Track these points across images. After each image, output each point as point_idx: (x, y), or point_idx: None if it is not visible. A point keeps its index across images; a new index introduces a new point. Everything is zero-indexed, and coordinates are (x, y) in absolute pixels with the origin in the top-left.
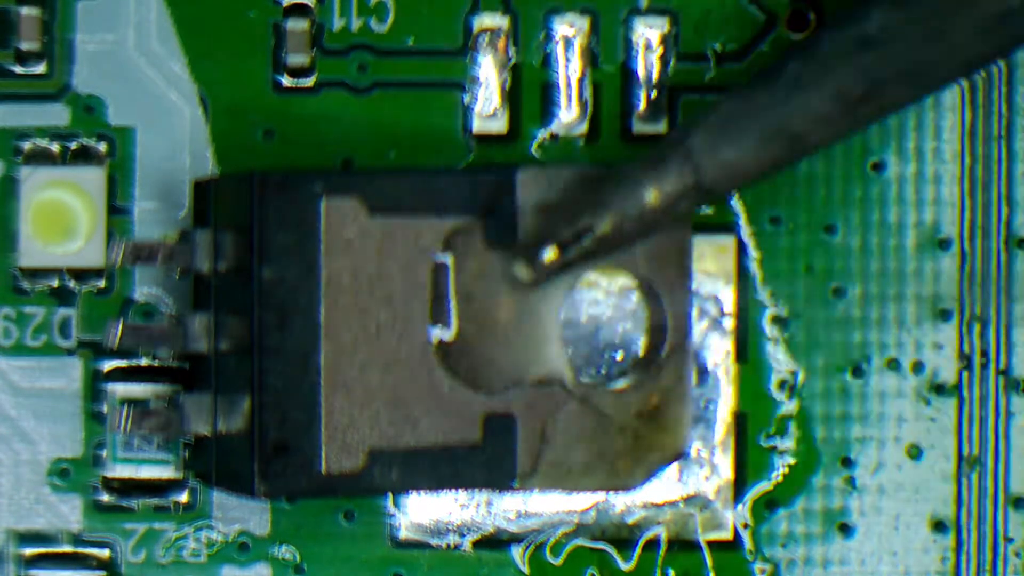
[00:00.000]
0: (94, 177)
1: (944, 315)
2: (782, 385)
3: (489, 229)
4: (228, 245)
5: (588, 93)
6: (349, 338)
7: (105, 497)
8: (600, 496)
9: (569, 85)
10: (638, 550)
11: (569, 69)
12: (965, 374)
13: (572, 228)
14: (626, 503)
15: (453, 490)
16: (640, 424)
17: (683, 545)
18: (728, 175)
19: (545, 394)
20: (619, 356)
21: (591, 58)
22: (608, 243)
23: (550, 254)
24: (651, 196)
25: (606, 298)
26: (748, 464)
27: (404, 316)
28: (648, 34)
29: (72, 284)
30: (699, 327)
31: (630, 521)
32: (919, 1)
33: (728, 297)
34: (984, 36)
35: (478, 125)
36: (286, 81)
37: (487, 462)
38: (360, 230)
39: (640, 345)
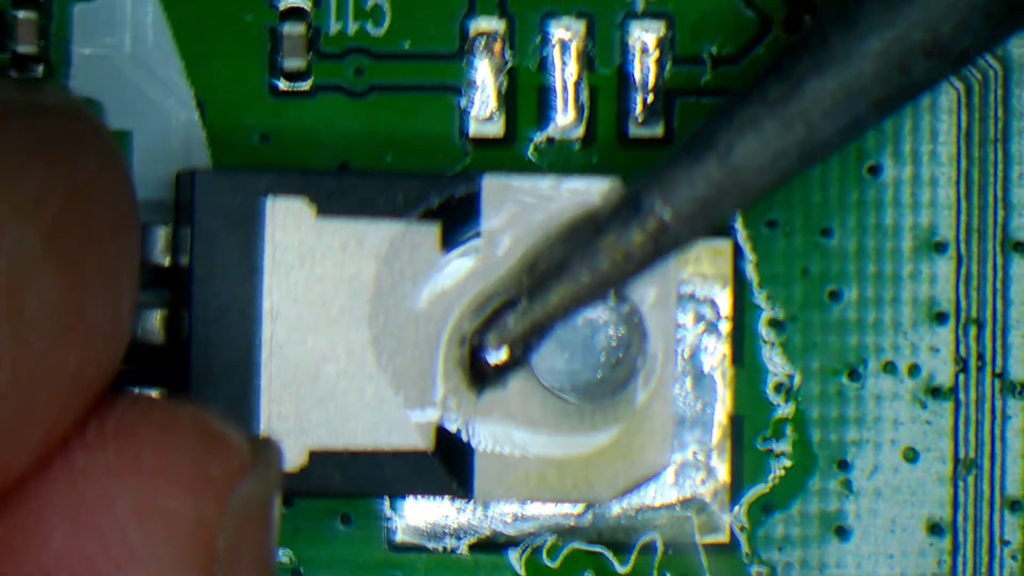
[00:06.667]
0: None
1: (940, 318)
2: (778, 388)
3: (448, 236)
4: (185, 240)
5: (584, 96)
6: (291, 338)
7: None
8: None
9: (565, 88)
10: (634, 553)
11: (565, 73)
12: (961, 377)
13: (535, 279)
14: (622, 507)
15: (402, 496)
16: (619, 436)
17: (679, 548)
18: (677, 205)
19: (508, 402)
20: (615, 359)
21: (587, 62)
22: (580, 298)
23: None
24: (608, 251)
25: (602, 302)
26: (744, 467)
27: (349, 319)
28: (644, 37)
29: None
30: (695, 331)
31: (626, 524)
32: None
33: (724, 300)
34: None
35: (474, 129)
36: (282, 85)
37: (440, 470)
38: (306, 231)
39: (635, 349)
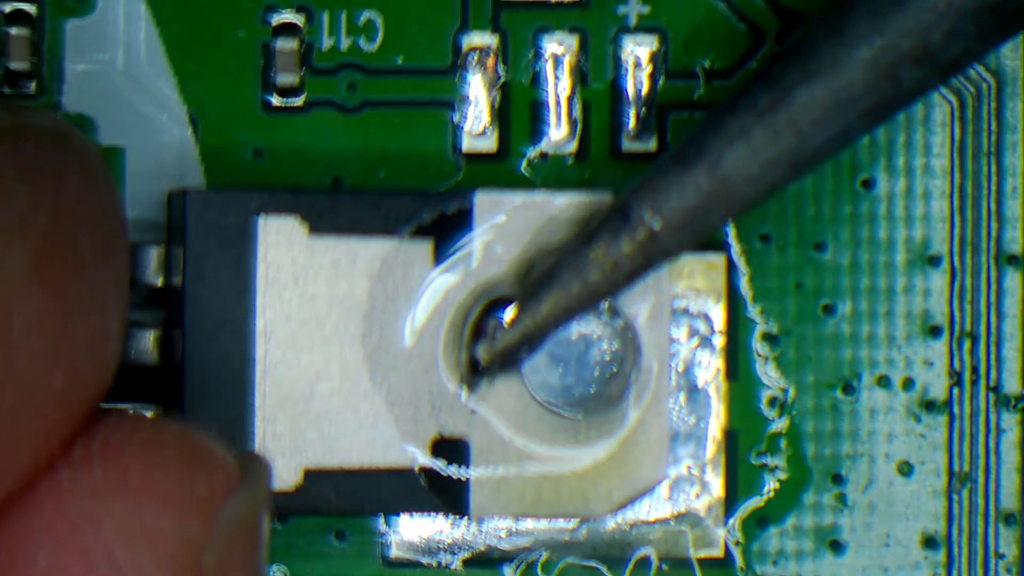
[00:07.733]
0: None
1: (934, 332)
2: (772, 402)
3: (441, 252)
4: (178, 260)
5: (577, 111)
6: (285, 357)
7: None
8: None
9: (558, 103)
10: (629, 568)
11: (558, 87)
12: (955, 390)
13: (526, 290)
14: (617, 521)
15: (397, 514)
16: (614, 451)
17: (674, 563)
18: (667, 216)
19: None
20: (609, 374)
21: (580, 76)
22: (570, 309)
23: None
24: (598, 262)
25: (596, 316)
26: (739, 481)
27: (342, 337)
28: (637, 52)
29: None
30: (689, 345)
31: (621, 539)
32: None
33: (718, 315)
34: None
35: (467, 144)
36: (275, 101)
37: (436, 487)
38: (299, 249)
39: (629, 363)
